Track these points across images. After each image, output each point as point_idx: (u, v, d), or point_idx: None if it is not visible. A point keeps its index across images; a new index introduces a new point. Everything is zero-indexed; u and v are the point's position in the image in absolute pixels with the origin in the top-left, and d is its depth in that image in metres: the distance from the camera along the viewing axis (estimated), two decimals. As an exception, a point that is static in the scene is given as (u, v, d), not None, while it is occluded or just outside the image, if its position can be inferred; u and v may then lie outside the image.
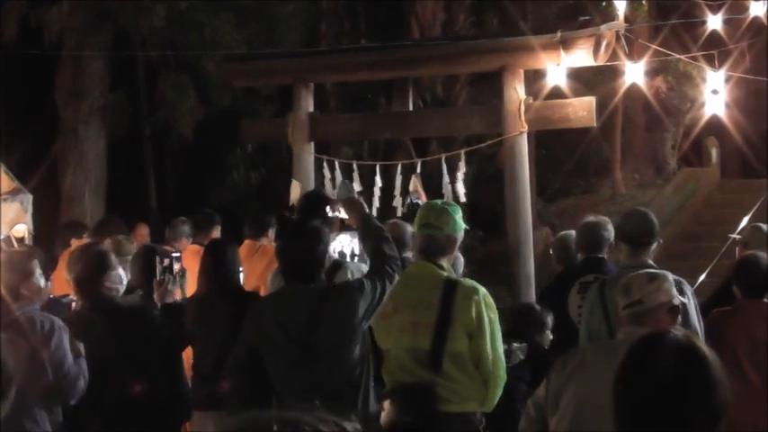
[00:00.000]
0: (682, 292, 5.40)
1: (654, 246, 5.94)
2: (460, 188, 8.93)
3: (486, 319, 5.24)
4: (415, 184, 9.26)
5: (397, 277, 5.21)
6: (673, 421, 2.47)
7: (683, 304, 5.08)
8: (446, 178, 9.06)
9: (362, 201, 5.91)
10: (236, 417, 1.74)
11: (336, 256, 6.28)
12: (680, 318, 4.34)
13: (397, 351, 5.30)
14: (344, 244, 6.73)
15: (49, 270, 6.91)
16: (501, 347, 5.35)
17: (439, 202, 5.57)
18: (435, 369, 5.15)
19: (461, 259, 7.20)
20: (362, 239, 5.58)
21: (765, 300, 6.30)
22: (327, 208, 5.99)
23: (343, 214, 5.79)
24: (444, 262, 5.38)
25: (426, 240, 5.38)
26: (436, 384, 5.14)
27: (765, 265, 6.30)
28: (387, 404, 5.15)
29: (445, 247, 5.38)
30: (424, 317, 5.22)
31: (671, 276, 4.38)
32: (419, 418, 5.11)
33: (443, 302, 5.20)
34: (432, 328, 5.18)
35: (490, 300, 5.35)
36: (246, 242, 8.10)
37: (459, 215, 5.42)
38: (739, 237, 8.29)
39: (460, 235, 5.46)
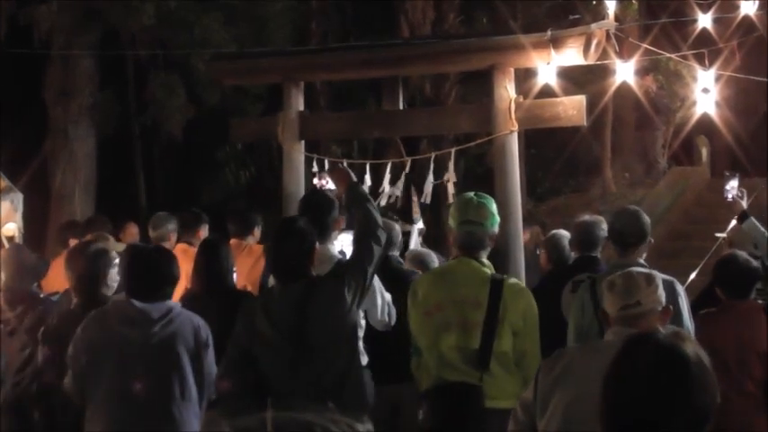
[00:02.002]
0: (674, 292, 5.40)
1: (645, 245, 5.91)
2: (451, 189, 8.90)
3: (530, 317, 5.26)
4: (415, 208, 9.28)
5: (378, 249, 5.23)
6: (657, 422, 2.46)
7: (676, 304, 5.07)
8: (430, 177, 9.02)
9: (348, 170, 5.92)
10: (246, 418, 1.69)
11: (338, 255, 6.24)
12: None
13: (441, 349, 5.25)
14: (345, 244, 6.69)
15: (40, 269, 6.90)
16: (539, 344, 5.34)
17: (473, 195, 5.49)
18: (483, 368, 5.13)
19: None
20: (348, 206, 5.59)
21: (751, 299, 6.27)
22: (314, 179, 6.00)
23: (330, 184, 5.79)
24: (484, 257, 5.38)
25: (467, 237, 5.35)
26: (483, 382, 5.13)
27: (744, 263, 6.25)
28: (426, 402, 5.13)
29: (485, 242, 5.38)
30: (472, 315, 5.19)
31: (660, 276, 4.36)
32: (465, 416, 5.09)
33: (491, 301, 5.18)
34: (480, 327, 5.15)
35: (532, 298, 5.38)
36: (232, 241, 7.84)
37: (494, 207, 5.43)
38: (725, 236, 8.26)
39: (497, 228, 5.48)
